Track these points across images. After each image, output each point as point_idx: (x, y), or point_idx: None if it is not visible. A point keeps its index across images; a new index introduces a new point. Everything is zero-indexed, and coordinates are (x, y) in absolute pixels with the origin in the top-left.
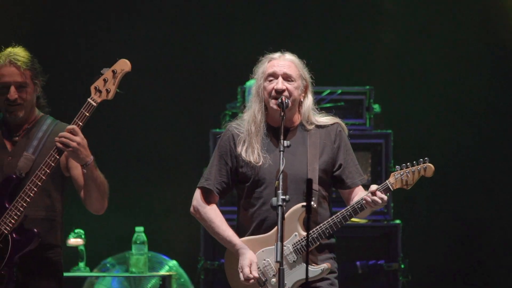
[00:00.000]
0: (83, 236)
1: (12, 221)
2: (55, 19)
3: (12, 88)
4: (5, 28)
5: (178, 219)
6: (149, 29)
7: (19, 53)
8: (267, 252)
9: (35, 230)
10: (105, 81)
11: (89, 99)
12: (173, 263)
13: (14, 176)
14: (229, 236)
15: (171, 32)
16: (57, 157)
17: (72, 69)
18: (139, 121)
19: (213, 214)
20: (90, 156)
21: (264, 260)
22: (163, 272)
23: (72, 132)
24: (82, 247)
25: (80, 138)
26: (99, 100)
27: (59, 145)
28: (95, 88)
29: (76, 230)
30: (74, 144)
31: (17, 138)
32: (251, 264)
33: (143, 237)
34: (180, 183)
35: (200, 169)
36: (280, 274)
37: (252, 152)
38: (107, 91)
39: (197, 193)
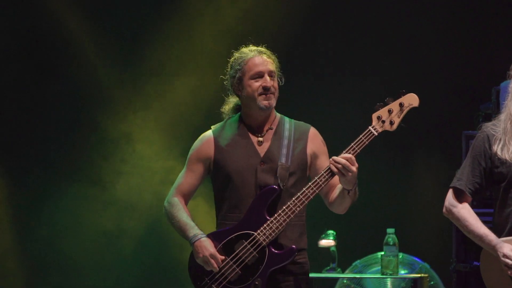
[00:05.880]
0: (334, 237)
1: (273, 234)
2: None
3: (266, 76)
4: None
5: (429, 221)
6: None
7: (263, 47)
8: None
9: (294, 246)
10: (389, 112)
11: (370, 128)
12: (424, 265)
13: (276, 187)
14: (485, 233)
15: (424, 30)
16: (329, 179)
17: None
18: None
19: (467, 213)
20: (356, 183)
21: None
22: (414, 274)
23: (350, 161)
24: (333, 248)
25: (356, 167)
26: (380, 130)
27: (334, 169)
28: (378, 117)
29: (328, 231)
30: (350, 174)
31: (261, 138)
32: None
33: (394, 238)
34: (431, 184)
35: (452, 170)
36: None
37: (507, 150)
38: (391, 123)
39: (449, 194)
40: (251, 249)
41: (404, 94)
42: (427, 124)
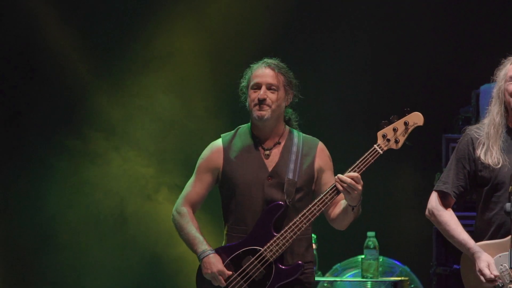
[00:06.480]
0: (314, 241)
1: (279, 250)
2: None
3: (263, 88)
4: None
5: (410, 224)
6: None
7: (274, 60)
8: (504, 257)
9: (300, 262)
10: (394, 130)
11: (375, 146)
12: (404, 268)
13: (283, 203)
14: (464, 240)
15: (404, 34)
16: (334, 196)
17: None
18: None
19: (449, 217)
20: (360, 199)
21: (502, 265)
22: (395, 277)
23: (355, 180)
24: (314, 252)
25: (361, 185)
26: (385, 148)
27: (340, 188)
28: (383, 135)
29: None
30: (355, 192)
31: (268, 152)
32: (489, 265)
33: (375, 241)
34: (411, 188)
35: (433, 173)
36: None
37: (490, 155)
38: (396, 142)
39: (433, 197)
40: (258, 265)
41: (409, 112)
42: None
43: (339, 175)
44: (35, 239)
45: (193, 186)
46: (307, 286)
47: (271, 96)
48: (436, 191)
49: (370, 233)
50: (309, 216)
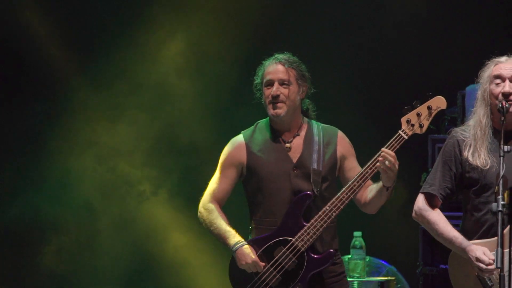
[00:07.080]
0: None
1: (310, 239)
2: None
3: (276, 84)
4: None
5: (396, 224)
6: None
7: (285, 55)
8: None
9: (331, 250)
10: (418, 115)
11: (400, 132)
12: (391, 268)
13: (311, 193)
14: (455, 236)
15: (390, 35)
16: (362, 183)
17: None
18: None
19: (437, 216)
20: (395, 180)
21: None
22: (381, 277)
23: (394, 158)
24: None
25: (398, 165)
26: (410, 133)
27: (384, 162)
28: (407, 121)
29: None
30: (393, 173)
31: (288, 144)
32: (484, 252)
33: (361, 241)
34: (398, 187)
35: (419, 174)
36: (501, 280)
37: (478, 156)
38: (420, 126)
39: (420, 198)
40: (290, 255)
41: (431, 97)
42: (393, 128)
43: (385, 149)
44: (28, 227)
45: (218, 183)
46: (341, 276)
47: (284, 92)
48: (422, 193)
49: (357, 233)
50: (338, 204)
